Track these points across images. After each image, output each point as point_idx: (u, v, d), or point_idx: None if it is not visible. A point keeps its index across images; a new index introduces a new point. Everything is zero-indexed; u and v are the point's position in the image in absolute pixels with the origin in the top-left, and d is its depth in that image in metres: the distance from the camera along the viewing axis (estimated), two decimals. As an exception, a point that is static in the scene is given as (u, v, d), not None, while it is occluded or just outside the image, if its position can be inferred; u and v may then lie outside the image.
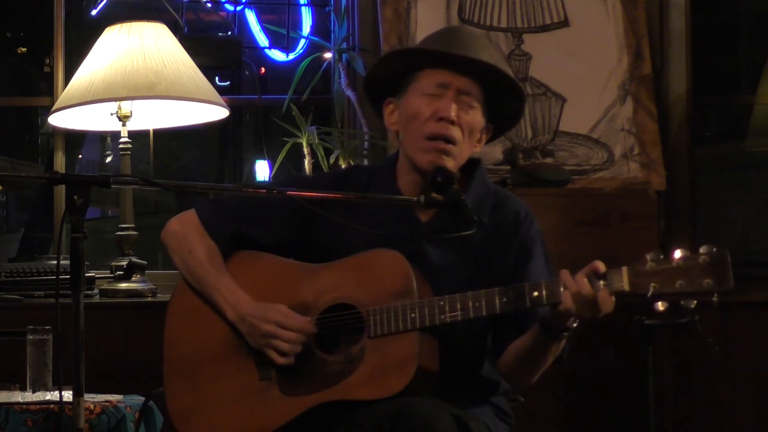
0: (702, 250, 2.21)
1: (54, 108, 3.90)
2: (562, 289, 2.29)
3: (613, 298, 2.27)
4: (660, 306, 2.26)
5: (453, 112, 2.46)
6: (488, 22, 4.29)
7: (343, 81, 4.26)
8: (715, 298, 2.21)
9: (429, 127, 2.48)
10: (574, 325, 2.37)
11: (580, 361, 3.44)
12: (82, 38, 4.56)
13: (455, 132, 2.47)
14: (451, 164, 2.48)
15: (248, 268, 2.58)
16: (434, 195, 2.41)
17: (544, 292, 2.32)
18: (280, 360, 2.45)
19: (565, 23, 4.33)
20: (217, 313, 2.55)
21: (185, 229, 2.63)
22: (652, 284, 2.23)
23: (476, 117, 2.50)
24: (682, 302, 2.23)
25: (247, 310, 2.50)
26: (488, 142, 2.63)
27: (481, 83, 2.50)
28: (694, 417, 3.89)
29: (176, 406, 2.55)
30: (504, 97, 2.54)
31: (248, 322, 2.49)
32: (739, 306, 3.87)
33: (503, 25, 4.31)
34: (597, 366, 3.75)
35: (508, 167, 3.99)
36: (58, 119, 3.94)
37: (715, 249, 2.21)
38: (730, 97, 5.20)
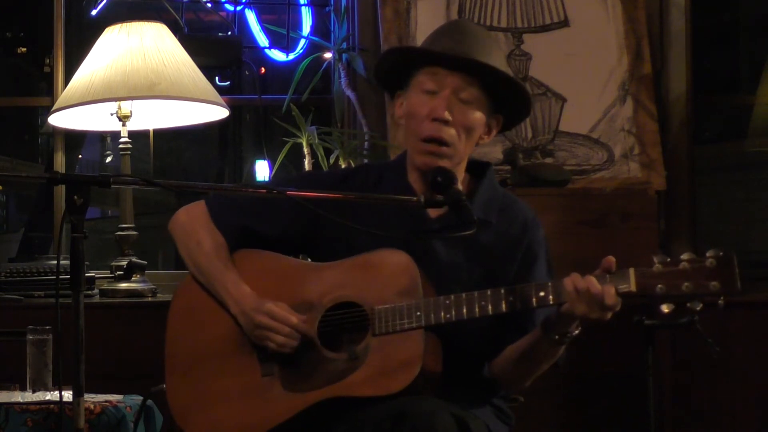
0: (709, 253, 2.23)
1: (54, 108, 3.90)
2: (569, 288, 2.29)
3: (620, 299, 2.27)
4: (665, 308, 2.26)
5: (446, 112, 2.46)
6: (488, 22, 4.29)
7: (343, 81, 4.26)
8: (721, 301, 2.22)
9: (424, 128, 2.48)
10: (577, 331, 2.38)
11: (579, 361, 3.45)
12: (82, 38, 4.56)
13: (449, 133, 2.47)
14: (446, 164, 2.48)
15: (254, 265, 2.58)
16: (435, 195, 2.41)
17: (550, 292, 2.33)
18: (273, 347, 2.44)
19: (565, 23, 4.33)
20: (221, 308, 2.55)
21: (193, 221, 2.63)
22: (659, 286, 2.24)
23: (473, 115, 2.49)
24: (688, 304, 2.24)
25: (249, 304, 2.50)
26: (503, 131, 2.64)
27: (480, 79, 2.49)
28: (694, 417, 3.89)
29: (178, 403, 2.54)
30: (507, 91, 2.53)
31: (248, 315, 2.49)
32: (739, 306, 3.87)
33: (503, 25, 4.31)
34: (597, 366, 3.75)
35: (508, 167, 3.99)
36: (58, 119, 3.94)
37: (722, 252, 2.22)
38: (730, 97, 5.20)
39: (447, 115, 2.46)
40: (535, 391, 2.74)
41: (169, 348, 2.58)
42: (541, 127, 4.23)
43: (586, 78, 4.27)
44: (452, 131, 2.48)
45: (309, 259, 2.68)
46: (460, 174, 2.54)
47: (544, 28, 4.32)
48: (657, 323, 3.36)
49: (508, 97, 2.54)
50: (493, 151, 4.05)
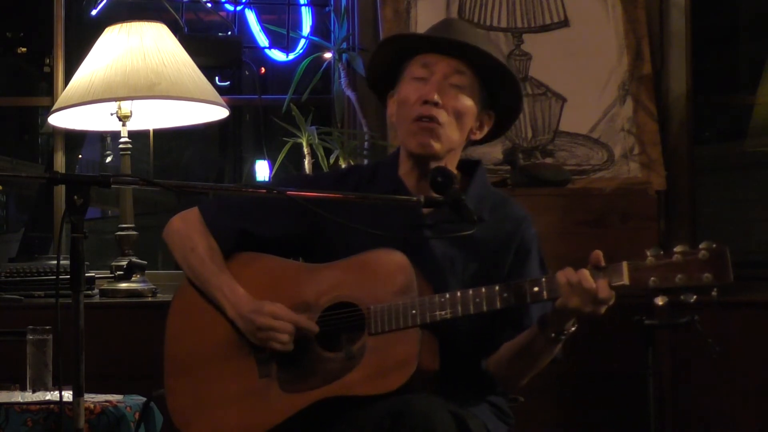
0: (701, 245, 2.24)
1: (54, 108, 3.90)
2: (562, 282, 2.29)
3: (614, 293, 2.28)
4: (659, 301, 2.27)
5: (435, 94, 2.49)
6: (488, 22, 4.29)
7: (343, 81, 4.26)
8: (714, 293, 2.23)
9: (415, 111, 2.51)
10: (573, 328, 2.38)
11: (579, 361, 3.46)
12: (82, 38, 4.55)
13: (440, 113, 2.50)
14: (438, 147, 2.50)
15: (250, 268, 2.58)
16: (434, 195, 2.42)
17: (544, 287, 2.33)
18: (278, 347, 2.45)
19: (565, 23, 4.33)
20: (218, 312, 2.55)
21: (188, 228, 2.63)
22: (652, 278, 2.25)
23: (464, 102, 2.52)
24: (682, 297, 2.25)
25: (246, 307, 2.50)
26: (494, 135, 2.65)
27: (472, 68, 2.52)
28: (694, 417, 3.89)
29: (177, 405, 2.55)
30: (500, 83, 2.55)
31: (246, 318, 2.49)
32: (739, 306, 3.88)
33: (503, 25, 4.31)
34: (597, 366, 3.76)
35: (508, 167, 3.99)
36: (58, 119, 3.94)
37: (714, 245, 2.23)
38: (730, 97, 5.20)
39: (437, 98, 2.49)
40: (535, 391, 2.74)
41: (169, 349, 2.59)
42: (541, 127, 4.23)
43: (586, 78, 4.27)
44: (442, 112, 2.50)
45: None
46: (453, 167, 2.55)
47: (544, 28, 4.33)
48: (657, 323, 3.36)
49: (501, 90, 2.56)
50: (493, 151, 4.05)
